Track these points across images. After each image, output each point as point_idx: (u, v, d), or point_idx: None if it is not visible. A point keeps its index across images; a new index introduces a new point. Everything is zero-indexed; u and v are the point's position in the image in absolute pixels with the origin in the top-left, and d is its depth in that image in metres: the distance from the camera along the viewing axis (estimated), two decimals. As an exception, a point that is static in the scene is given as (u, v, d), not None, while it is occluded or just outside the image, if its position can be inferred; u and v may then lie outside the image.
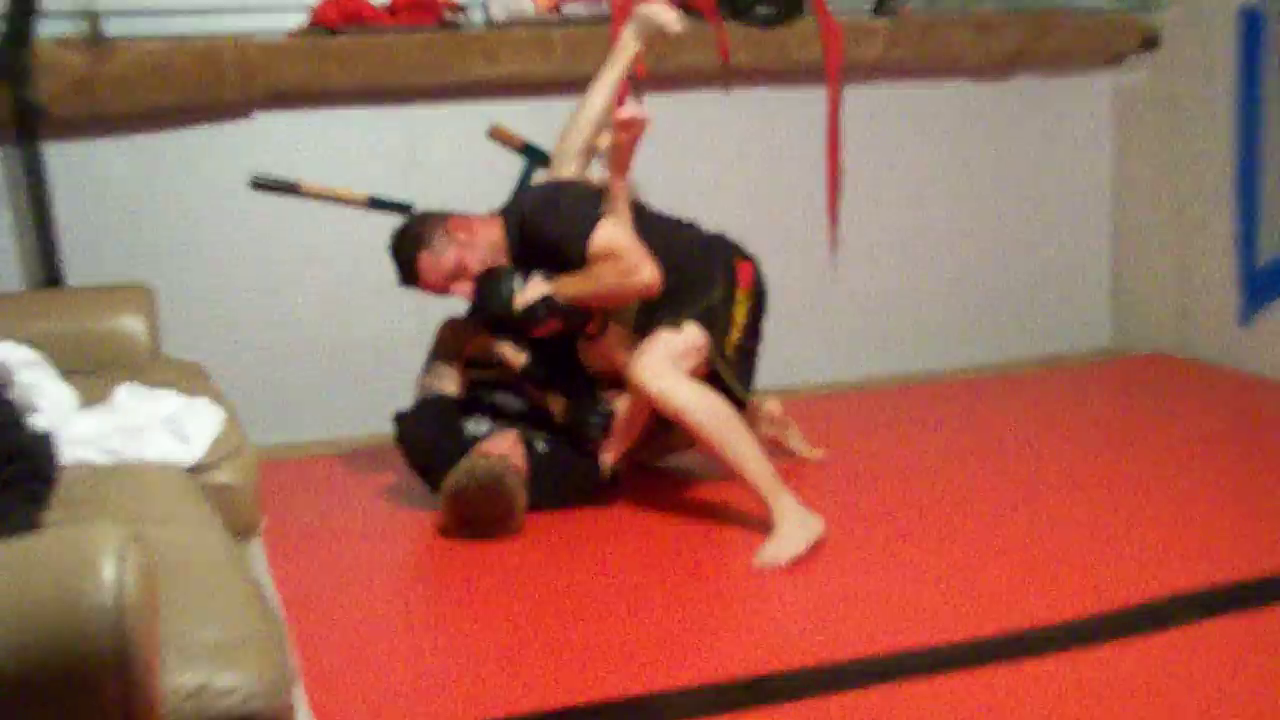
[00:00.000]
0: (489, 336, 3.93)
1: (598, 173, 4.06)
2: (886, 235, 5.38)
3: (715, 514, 3.77)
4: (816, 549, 3.42)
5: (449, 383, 3.97)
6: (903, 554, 3.40)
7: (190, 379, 3.29)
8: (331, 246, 4.70)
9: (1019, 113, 5.52)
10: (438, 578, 3.53)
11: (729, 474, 3.58)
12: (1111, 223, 5.72)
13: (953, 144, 5.44)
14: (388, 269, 4.67)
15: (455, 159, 4.79)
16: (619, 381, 3.78)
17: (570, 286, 3.71)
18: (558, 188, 3.93)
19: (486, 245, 3.82)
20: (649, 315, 3.75)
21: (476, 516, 3.59)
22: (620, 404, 3.80)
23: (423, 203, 4.69)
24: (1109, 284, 5.76)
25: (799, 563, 3.35)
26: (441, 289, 3.86)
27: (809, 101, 5.16)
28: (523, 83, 4.76)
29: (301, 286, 4.69)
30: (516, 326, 3.79)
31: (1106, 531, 3.50)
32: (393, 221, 4.65)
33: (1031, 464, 4.14)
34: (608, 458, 3.81)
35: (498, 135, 4.76)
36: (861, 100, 5.25)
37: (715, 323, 3.75)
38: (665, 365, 3.60)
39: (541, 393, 3.90)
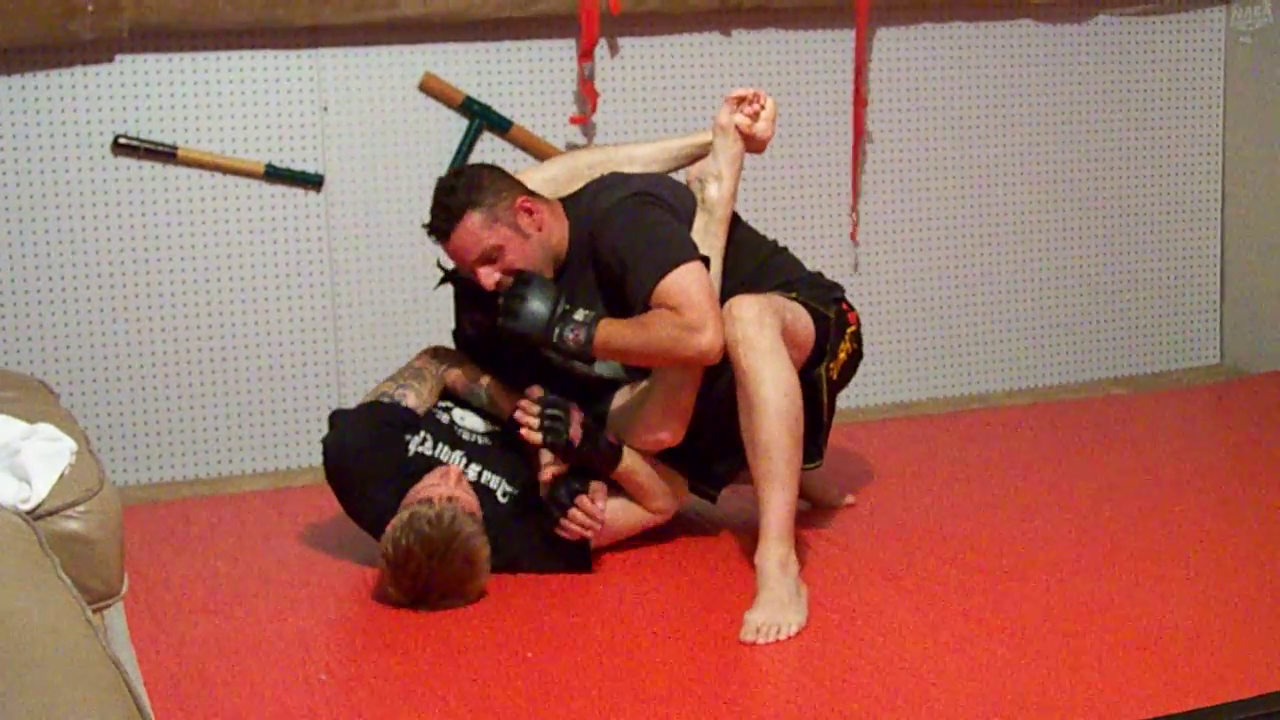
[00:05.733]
0: (481, 371, 3.91)
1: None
2: (927, 221, 5.37)
3: (706, 569, 3.76)
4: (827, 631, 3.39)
5: (413, 397, 3.90)
6: (949, 636, 3.35)
7: (29, 398, 3.22)
8: (217, 231, 4.65)
9: (1099, 63, 5.51)
10: (357, 656, 3.46)
11: (720, 517, 3.52)
12: (1221, 209, 5.71)
13: (1013, 104, 5.42)
14: (290, 262, 4.68)
15: (377, 117, 4.75)
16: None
17: (616, 332, 3.63)
18: (647, 192, 3.80)
19: (542, 246, 3.75)
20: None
21: (429, 586, 3.52)
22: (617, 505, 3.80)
23: (336, 174, 4.67)
24: (1218, 287, 5.76)
25: (809, 647, 3.31)
26: (467, 265, 3.76)
27: (830, 47, 5.15)
28: (464, 21, 4.72)
29: (177, 283, 4.64)
30: (539, 358, 3.77)
31: (1217, 609, 3.45)
32: (299, 200, 4.64)
33: (1121, 516, 4.09)
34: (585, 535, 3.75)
35: (431, 88, 4.74)
36: (896, 45, 5.24)
37: (823, 334, 3.79)
38: (774, 318, 3.56)
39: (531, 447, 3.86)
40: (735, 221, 3.91)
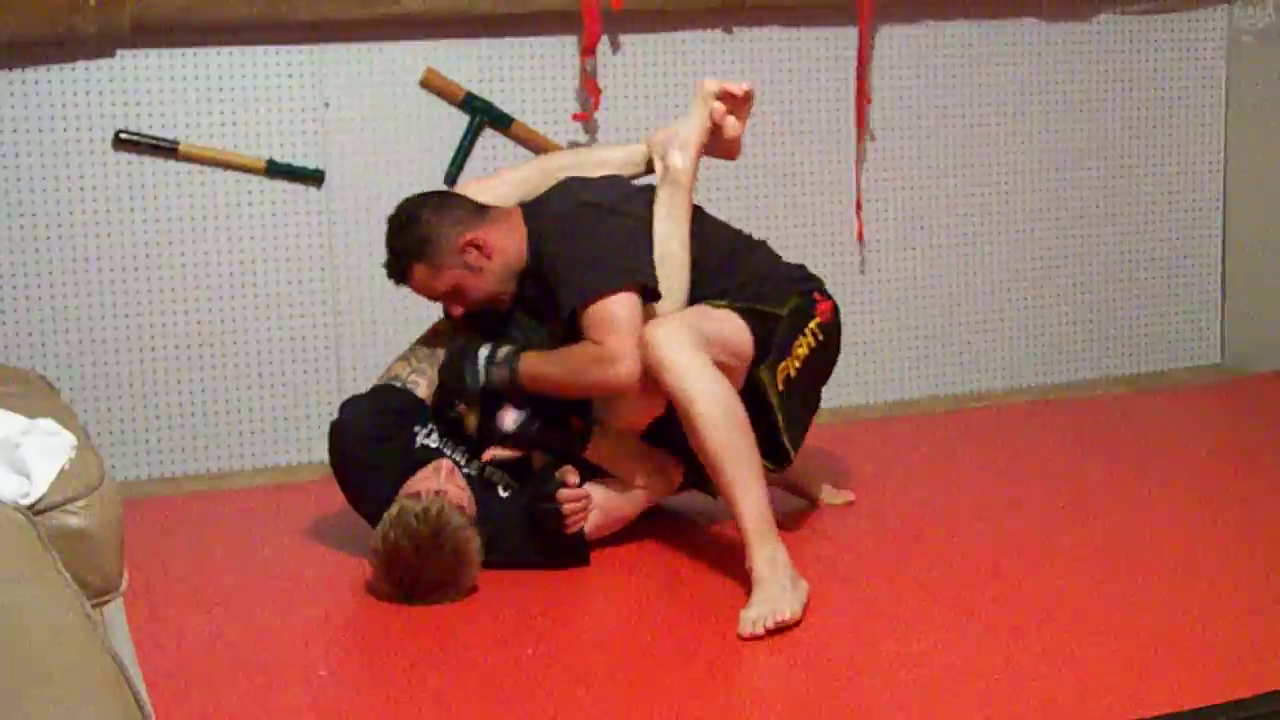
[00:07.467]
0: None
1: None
2: (927, 220, 5.36)
3: (704, 566, 3.75)
4: (824, 623, 3.39)
5: (424, 385, 3.91)
6: (949, 634, 3.34)
7: (29, 393, 3.22)
8: (218, 226, 4.64)
9: (1101, 62, 5.50)
10: (356, 652, 3.48)
11: (720, 513, 3.56)
12: (1223, 207, 5.70)
13: (1017, 103, 5.41)
14: (288, 258, 4.67)
15: (378, 113, 4.74)
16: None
17: (537, 367, 3.71)
18: (595, 203, 3.81)
19: (498, 271, 3.80)
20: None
21: (418, 581, 3.52)
22: (604, 492, 3.82)
23: (336, 170, 4.67)
24: (1219, 287, 5.75)
25: (808, 643, 3.30)
26: (431, 299, 3.90)
27: (833, 45, 5.14)
28: (466, 17, 4.72)
29: (178, 278, 4.63)
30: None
31: (1217, 609, 3.44)
32: (300, 195, 4.64)
33: (1121, 515, 4.09)
34: (585, 527, 3.78)
35: (432, 83, 4.73)
36: (898, 43, 5.23)
37: (769, 334, 3.77)
38: (689, 335, 3.57)
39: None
40: (698, 214, 3.89)
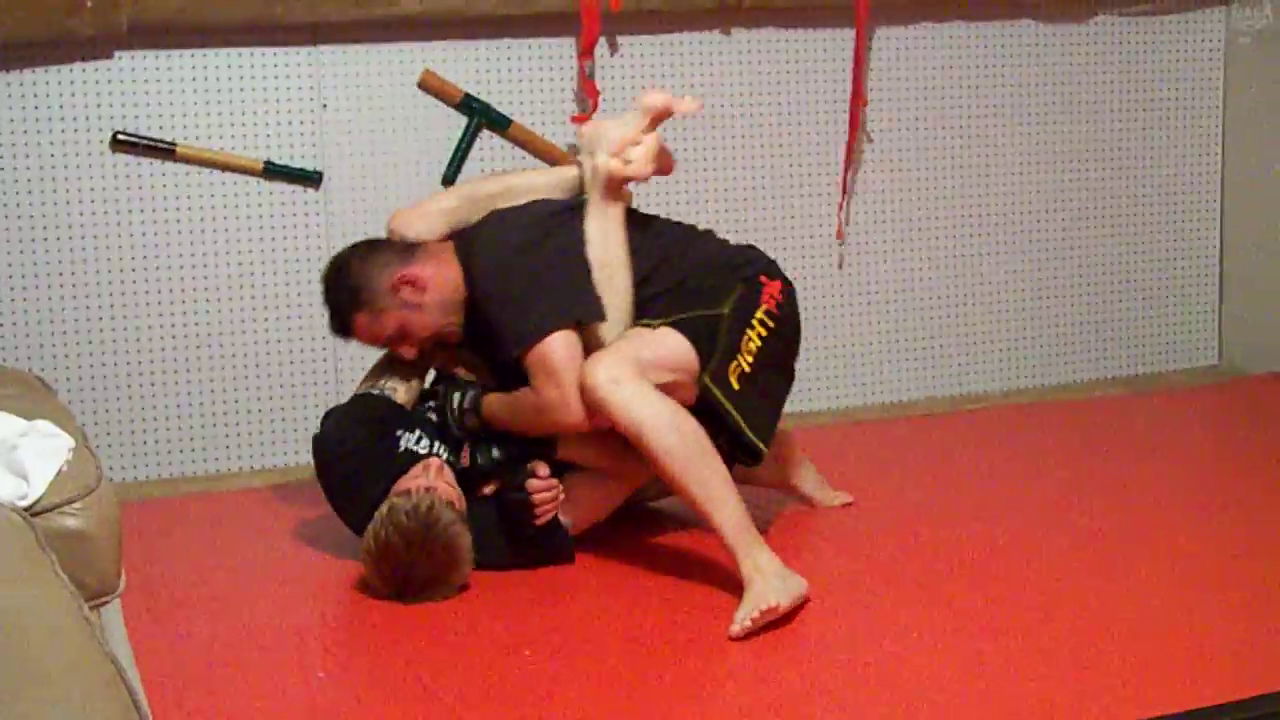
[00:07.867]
0: (463, 351, 3.95)
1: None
2: (925, 220, 5.35)
3: (698, 567, 3.73)
4: (825, 623, 3.39)
5: (401, 389, 3.91)
6: (948, 634, 3.33)
7: (27, 394, 3.20)
8: (216, 228, 4.63)
9: (1100, 64, 5.50)
10: (352, 651, 3.46)
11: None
12: (1220, 209, 5.69)
13: (1013, 104, 5.41)
14: (286, 259, 4.67)
15: (375, 114, 4.73)
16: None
17: (496, 410, 3.80)
18: (524, 243, 3.79)
19: (437, 304, 3.81)
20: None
21: (409, 577, 3.52)
22: (586, 480, 3.83)
23: (334, 170, 4.66)
24: (1216, 289, 5.74)
25: (806, 644, 3.29)
26: (380, 347, 3.93)
27: (830, 46, 5.13)
28: (463, 18, 4.71)
29: (175, 280, 4.62)
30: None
31: (1214, 610, 3.43)
32: (298, 196, 4.63)
33: (1119, 516, 4.08)
34: (568, 520, 3.79)
35: (430, 85, 4.72)
36: (895, 45, 5.23)
37: (712, 338, 3.73)
38: (628, 368, 3.57)
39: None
40: (633, 217, 3.88)
